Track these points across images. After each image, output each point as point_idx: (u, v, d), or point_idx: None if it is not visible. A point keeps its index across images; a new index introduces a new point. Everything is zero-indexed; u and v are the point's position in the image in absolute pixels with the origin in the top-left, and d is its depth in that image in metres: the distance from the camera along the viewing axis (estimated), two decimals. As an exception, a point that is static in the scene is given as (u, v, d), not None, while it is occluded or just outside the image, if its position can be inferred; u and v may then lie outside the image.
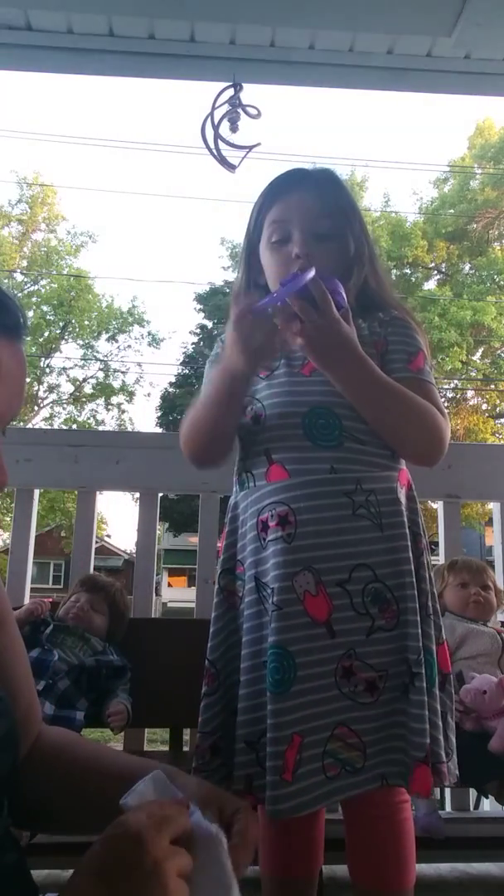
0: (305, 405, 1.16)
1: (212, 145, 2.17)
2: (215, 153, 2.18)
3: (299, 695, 1.04)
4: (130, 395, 21.05)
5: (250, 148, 2.21)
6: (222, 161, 2.20)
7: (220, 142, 2.17)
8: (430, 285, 19.54)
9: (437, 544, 2.32)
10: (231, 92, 2.16)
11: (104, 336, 21.21)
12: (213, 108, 2.17)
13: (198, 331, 21.31)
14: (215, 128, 2.17)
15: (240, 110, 2.14)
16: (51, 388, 20.70)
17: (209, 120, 2.17)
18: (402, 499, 1.18)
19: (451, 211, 19.03)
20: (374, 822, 1.15)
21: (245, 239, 1.31)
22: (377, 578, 1.10)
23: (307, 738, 1.04)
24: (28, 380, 0.78)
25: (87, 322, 20.53)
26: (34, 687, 0.86)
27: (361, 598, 1.09)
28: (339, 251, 1.21)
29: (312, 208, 1.21)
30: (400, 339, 1.22)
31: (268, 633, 1.08)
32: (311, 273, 1.05)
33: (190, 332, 22.34)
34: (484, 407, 18.93)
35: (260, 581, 1.13)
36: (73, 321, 20.29)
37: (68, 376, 20.94)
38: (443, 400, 1.29)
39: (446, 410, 1.21)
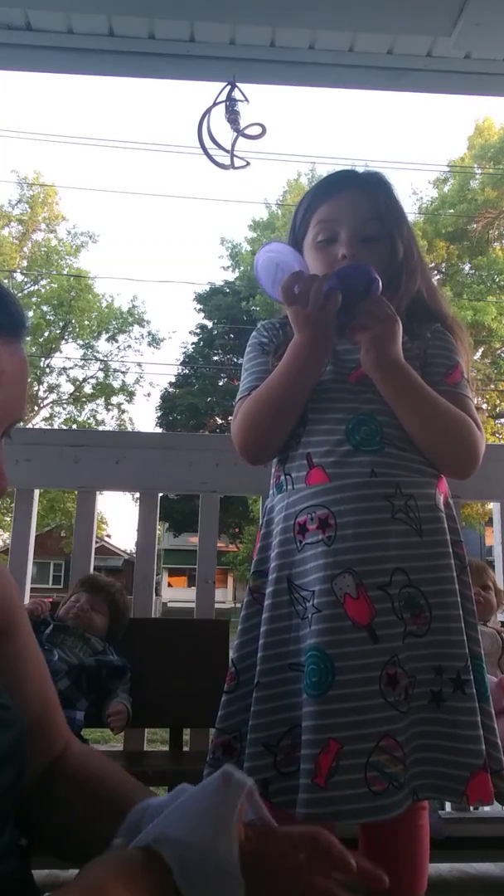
0: (350, 412, 1.17)
1: (208, 144, 2.17)
2: (211, 156, 2.18)
3: (338, 700, 1.03)
4: (130, 395, 21.08)
5: (242, 166, 2.20)
6: (219, 162, 2.19)
7: (213, 143, 2.17)
8: (430, 285, 19.52)
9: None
10: (229, 91, 2.15)
11: (104, 336, 21.24)
12: (213, 105, 2.16)
13: (198, 331, 21.32)
14: (210, 132, 2.16)
15: (240, 136, 2.14)
16: (51, 388, 20.73)
17: (207, 120, 2.16)
18: (442, 506, 1.18)
19: (451, 211, 19.03)
20: (392, 828, 1.14)
21: (289, 236, 1.31)
22: (410, 583, 1.10)
23: (346, 747, 1.01)
24: (28, 380, 0.73)
25: (87, 322, 20.54)
26: (52, 695, 0.81)
27: (399, 602, 1.09)
28: (386, 255, 1.21)
29: (361, 209, 1.22)
30: (438, 352, 1.24)
31: (300, 636, 1.09)
32: (377, 277, 1.12)
33: (190, 332, 22.40)
34: (484, 407, 18.93)
35: (293, 583, 1.13)
36: (73, 321, 20.31)
37: (68, 376, 20.99)
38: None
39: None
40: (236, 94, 2.14)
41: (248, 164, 2.22)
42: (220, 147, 2.17)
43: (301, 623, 1.10)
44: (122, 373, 21.20)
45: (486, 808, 2.02)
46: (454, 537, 1.18)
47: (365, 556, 1.09)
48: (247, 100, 2.14)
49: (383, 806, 1.01)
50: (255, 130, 2.16)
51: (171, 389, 20.67)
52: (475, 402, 1.25)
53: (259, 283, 1.23)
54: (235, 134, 2.14)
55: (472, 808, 2.00)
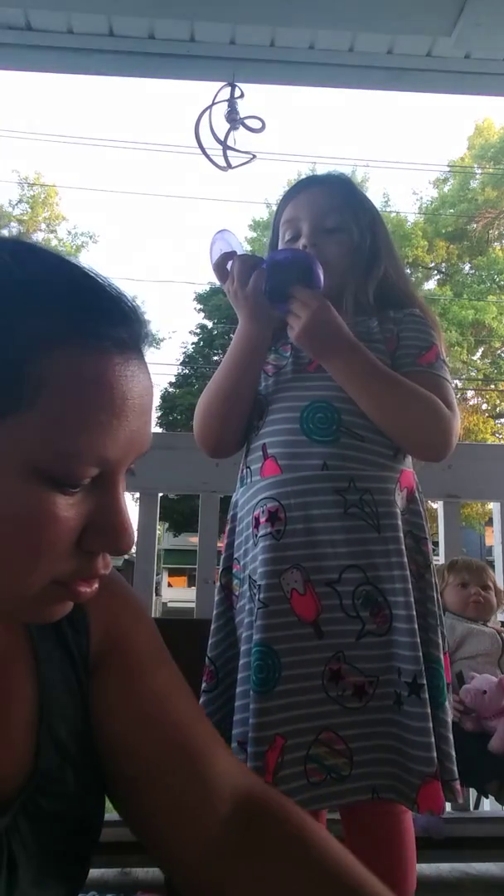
0: (306, 399, 1.16)
1: (206, 144, 2.16)
2: (209, 155, 2.18)
3: (284, 695, 1.02)
4: (131, 395, 21.07)
5: (248, 161, 2.20)
6: (217, 159, 2.19)
7: (216, 141, 2.17)
8: (431, 285, 19.55)
9: (437, 544, 2.32)
10: (229, 91, 2.15)
11: (104, 336, 21.24)
12: (213, 104, 2.16)
13: (198, 331, 21.33)
14: (212, 129, 2.16)
15: (240, 125, 2.13)
16: (51, 389, 20.70)
17: (206, 118, 2.16)
18: (399, 500, 1.15)
19: (451, 211, 19.04)
20: (372, 830, 1.12)
21: (268, 247, 1.36)
22: (368, 581, 1.07)
23: (290, 741, 1.01)
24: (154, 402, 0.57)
25: (87, 322, 20.54)
26: (192, 738, 0.64)
27: (352, 599, 1.07)
28: (348, 243, 1.23)
29: (320, 204, 1.24)
30: (411, 334, 1.21)
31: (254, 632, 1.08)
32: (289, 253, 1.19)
33: (190, 332, 22.37)
34: (484, 407, 18.93)
35: (251, 578, 1.12)
36: (74, 321, 20.31)
37: (68, 376, 20.95)
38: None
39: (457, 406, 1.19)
40: (245, 110, 2.15)
41: (254, 156, 2.20)
42: (222, 145, 2.17)
43: None
44: (123, 373, 21.20)
45: (486, 808, 2.02)
46: (419, 534, 1.16)
47: (313, 552, 1.08)
48: (243, 94, 2.13)
49: (320, 796, 1.01)
50: (256, 124, 2.16)
51: (171, 389, 20.67)
52: (453, 382, 1.23)
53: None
54: (232, 130, 2.14)
55: (472, 809, 2.01)
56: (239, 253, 1.22)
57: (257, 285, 1.16)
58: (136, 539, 0.50)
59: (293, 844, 0.61)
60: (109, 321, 0.51)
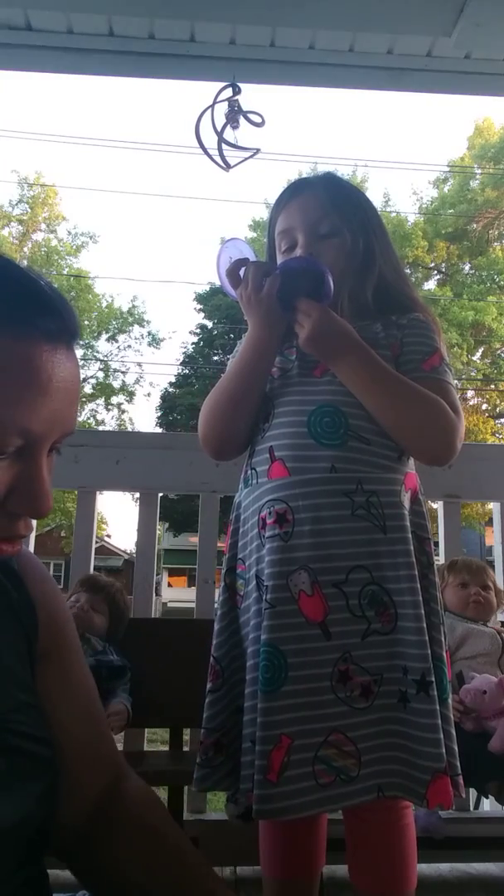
0: (313, 403, 1.16)
1: (207, 144, 2.16)
2: (211, 154, 2.18)
3: (290, 695, 1.03)
4: (130, 395, 21.10)
5: (251, 155, 2.20)
6: (218, 159, 2.19)
7: (218, 141, 2.17)
8: (430, 285, 19.54)
9: (437, 544, 2.31)
10: (229, 92, 2.15)
11: (104, 336, 21.24)
12: (214, 104, 2.16)
13: (198, 331, 21.33)
14: (214, 127, 2.16)
15: (241, 117, 2.13)
16: (51, 388, 20.68)
17: (207, 118, 2.16)
18: (405, 502, 1.16)
19: (451, 211, 19.03)
20: (374, 828, 1.14)
21: (266, 254, 1.36)
22: (374, 581, 1.09)
23: (297, 741, 1.02)
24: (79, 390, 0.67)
25: (87, 322, 20.53)
26: (101, 717, 0.80)
27: (358, 600, 1.08)
28: (342, 247, 1.23)
29: (312, 211, 1.25)
30: (415, 339, 1.22)
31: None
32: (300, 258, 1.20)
33: (190, 332, 22.39)
34: (484, 407, 18.93)
35: (259, 579, 1.12)
36: (73, 321, 20.30)
37: (68, 376, 20.94)
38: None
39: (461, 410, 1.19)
40: (247, 104, 2.15)
41: (258, 150, 2.20)
42: (221, 141, 2.16)
43: None
44: (122, 373, 21.24)
45: (487, 808, 2.02)
46: (422, 534, 1.17)
47: (321, 554, 1.09)
48: (240, 90, 2.14)
49: (329, 797, 1.02)
50: (256, 119, 2.16)
51: (171, 389, 20.67)
52: (455, 384, 1.22)
53: (220, 281, 1.29)
54: (233, 129, 2.14)
55: (472, 809, 2.01)
56: (252, 260, 1.23)
57: (271, 291, 1.17)
58: (52, 505, 0.62)
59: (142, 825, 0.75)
60: (41, 314, 0.58)
